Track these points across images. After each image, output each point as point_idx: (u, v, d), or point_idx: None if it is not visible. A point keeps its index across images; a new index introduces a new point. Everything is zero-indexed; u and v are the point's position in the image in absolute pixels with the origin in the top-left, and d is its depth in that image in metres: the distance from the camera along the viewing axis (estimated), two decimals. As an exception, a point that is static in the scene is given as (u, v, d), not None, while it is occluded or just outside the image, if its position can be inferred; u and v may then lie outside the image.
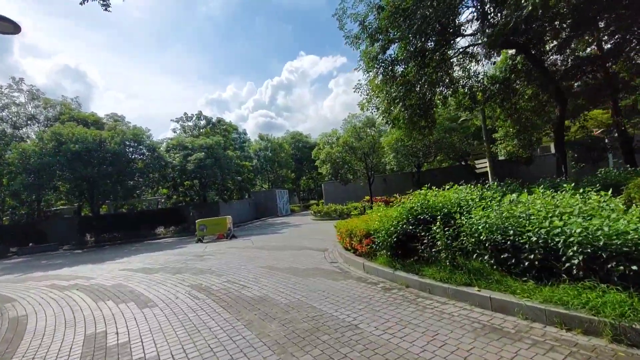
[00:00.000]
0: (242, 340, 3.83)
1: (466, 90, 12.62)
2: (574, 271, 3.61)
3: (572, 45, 12.26)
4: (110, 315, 5.40)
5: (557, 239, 3.82)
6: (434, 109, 12.65)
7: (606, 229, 3.39)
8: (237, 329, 4.20)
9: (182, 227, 23.48)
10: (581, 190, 5.07)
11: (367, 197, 26.72)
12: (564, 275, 3.68)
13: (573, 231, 3.61)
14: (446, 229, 5.07)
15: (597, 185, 6.30)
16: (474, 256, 4.78)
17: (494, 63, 13.72)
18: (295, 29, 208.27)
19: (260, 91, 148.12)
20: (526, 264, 4.03)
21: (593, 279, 3.46)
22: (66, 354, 4.06)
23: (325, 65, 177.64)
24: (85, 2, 6.16)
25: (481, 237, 4.56)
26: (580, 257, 3.48)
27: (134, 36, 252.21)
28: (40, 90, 26.27)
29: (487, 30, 7.72)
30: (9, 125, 24.23)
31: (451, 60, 11.80)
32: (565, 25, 10.39)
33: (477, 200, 5.69)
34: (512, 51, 14.12)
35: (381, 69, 11.22)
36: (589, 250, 3.45)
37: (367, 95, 12.55)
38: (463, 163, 26.34)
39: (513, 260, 4.21)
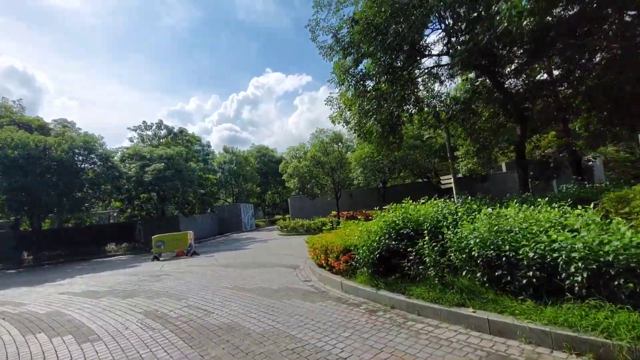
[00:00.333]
0: (208, 383, 3.16)
1: (430, 109, 12.97)
2: (576, 289, 3.39)
3: (527, 71, 13.04)
4: (39, 354, 4.40)
5: (555, 254, 3.62)
6: (402, 125, 12.81)
7: (616, 243, 3.21)
8: (201, 367, 3.51)
9: (136, 244, 21.55)
10: (556, 205, 5.01)
11: (334, 212, 26.44)
12: (567, 294, 3.45)
13: (577, 246, 3.41)
14: (433, 244, 4.76)
15: (569, 199, 6.38)
16: (463, 273, 4.49)
17: (456, 84, 14.37)
18: (261, 47, 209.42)
19: (225, 105, 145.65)
20: (523, 281, 3.77)
21: (597, 297, 3.25)
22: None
23: (291, 82, 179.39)
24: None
25: (472, 253, 4.28)
26: (585, 274, 3.27)
27: (88, 43, 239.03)
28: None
29: (459, 47, 7.84)
30: None
31: (417, 80, 12.06)
32: (522, 51, 10.98)
33: (460, 214, 5.47)
34: (472, 75, 14.89)
35: (353, 82, 11.15)
36: (594, 267, 3.25)
37: (339, 108, 12.42)
38: (425, 180, 27.07)
39: (508, 278, 3.95)
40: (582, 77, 11.04)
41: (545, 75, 13.85)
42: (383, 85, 10.44)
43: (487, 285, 4.23)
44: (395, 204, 6.58)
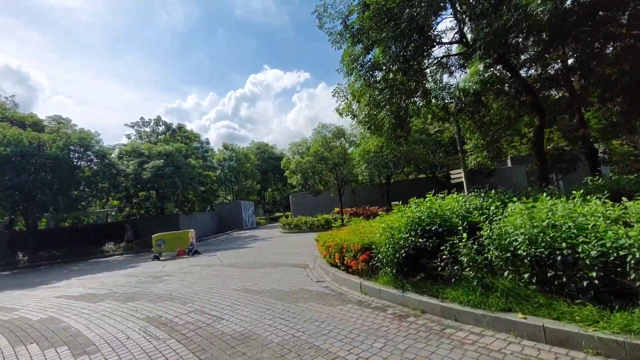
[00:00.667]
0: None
1: (439, 102, 12.51)
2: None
3: (543, 60, 12.56)
4: (29, 369, 3.91)
5: (622, 252, 3.14)
6: (410, 118, 12.35)
7: None
8: (217, 387, 3.02)
9: (135, 243, 21.01)
10: (594, 198, 4.53)
11: (337, 209, 25.97)
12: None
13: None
14: (470, 241, 4.27)
15: (605, 192, 5.90)
16: (505, 274, 4.01)
17: (466, 74, 13.92)
18: (259, 44, 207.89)
19: (223, 102, 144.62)
20: (584, 283, 3.29)
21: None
22: None
23: (289, 80, 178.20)
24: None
25: (518, 252, 3.80)
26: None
27: (85, 41, 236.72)
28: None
29: (482, 30, 7.31)
30: None
31: (425, 71, 11.57)
32: (538, 39, 10.50)
33: (494, 208, 4.97)
34: (480, 67, 14.39)
35: (362, 72, 10.65)
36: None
37: (347, 100, 11.93)
38: (430, 175, 26.56)
39: (564, 279, 3.47)
40: (597, 65, 10.58)
41: (560, 64, 13.33)
42: (395, 75, 9.92)
43: (534, 287, 3.75)
44: (400, 203, 6.16)
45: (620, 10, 9.20)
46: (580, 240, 3.41)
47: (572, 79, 13.42)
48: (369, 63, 10.62)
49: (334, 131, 25.96)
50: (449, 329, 3.78)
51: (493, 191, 6.98)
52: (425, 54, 10.86)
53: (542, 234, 3.71)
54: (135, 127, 33.83)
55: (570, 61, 13.03)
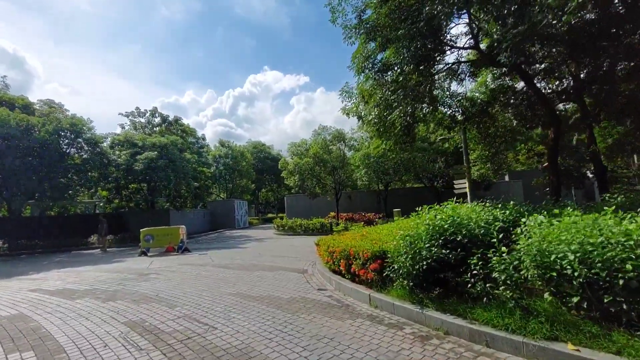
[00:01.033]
0: None
1: (445, 110, 12.16)
2: None
3: (558, 72, 12.28)
4: (-17, 380, 3.28)
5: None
6: (417, 124, 11.96)
7: None
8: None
9: (123, 237, 20.17)
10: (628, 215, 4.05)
11: (333, 214, 25.43)
12: None
13: None
14: (507, 256, 3.76)
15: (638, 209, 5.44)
16: (545, 295, 3.51)
17: (476, 81, 13.68)
18: (259, 44, 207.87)
19: (221, 100, 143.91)
20: (649, 313, 2.80)
21: None
22: None
23: (289, 82, 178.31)
24: None
25: (565, 271, 3.29)
26: None
27: (81, 30, 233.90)
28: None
29: (512, 30, 6.88)
30: None
31: (434, 76, 11.19)
32: (559, 50, 10.19)
33: (526, 220, 4.47)
34: (489, 77, 14.09)
35: (373, 72, 10.23)
36: None
37: (355, 100, 11.50)
38: (428, 185, 26.17)
39: (624, 307, 2.97)
40: (617, 81, 10.28)
41: (570, 78, 13.07)
42: (408, 75, 9.48)
43: (583, 313, 3.25)
44: (397, 209, 5.66)
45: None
46: (643, 261, 2.92)
47: (583, 93, 13.14)
48: (380, 63, 10.22)
49: (334, 134, 25.52)
50: (482, 356, 3.26)
51: (512, 202, 6.51)
52: (438, 57, 10.50)
53: (595, 253, 3.21)
54: (130, 117, 32.96)
55: (581, 75, 12.75)
